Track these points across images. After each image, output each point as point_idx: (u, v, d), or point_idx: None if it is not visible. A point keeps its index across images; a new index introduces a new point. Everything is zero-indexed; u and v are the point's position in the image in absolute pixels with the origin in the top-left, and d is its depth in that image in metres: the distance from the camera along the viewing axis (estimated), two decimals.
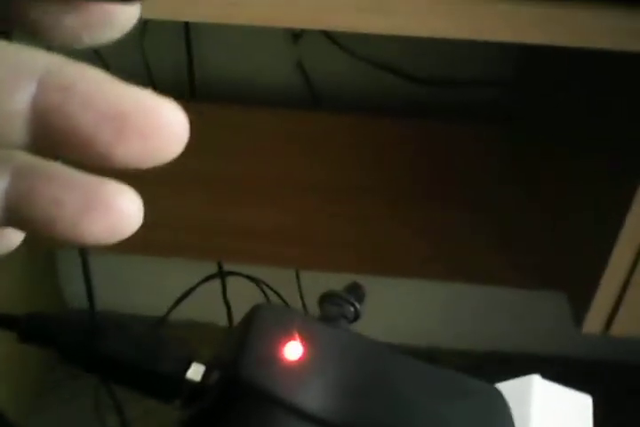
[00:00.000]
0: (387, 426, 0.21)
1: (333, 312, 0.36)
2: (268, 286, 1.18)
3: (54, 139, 0.16)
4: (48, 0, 0.15)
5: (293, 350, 0.21)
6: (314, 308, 1.20)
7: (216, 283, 1.17)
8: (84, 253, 0.76)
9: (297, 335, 0.22)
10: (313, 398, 0.21)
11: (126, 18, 0.16)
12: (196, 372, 0.24)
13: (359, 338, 0.23)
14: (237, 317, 1.18)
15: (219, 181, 1.09)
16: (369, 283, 1.38)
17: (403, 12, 0.53)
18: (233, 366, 0.22)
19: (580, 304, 0.70)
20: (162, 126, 0.17)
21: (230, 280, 1.17)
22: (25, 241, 0.21)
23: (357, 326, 1.20)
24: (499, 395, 0.23)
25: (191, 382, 0.24)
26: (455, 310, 1.26)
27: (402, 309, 1.29)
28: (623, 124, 0.69)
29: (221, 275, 1.16)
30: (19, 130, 0.16)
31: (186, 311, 1.16)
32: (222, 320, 1.15)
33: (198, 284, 1.16)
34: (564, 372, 1.23)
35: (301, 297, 1.21)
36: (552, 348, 1.22)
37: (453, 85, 1.08)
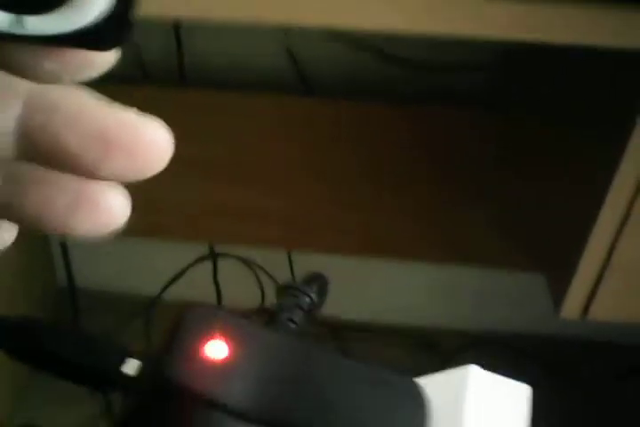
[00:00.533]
0: (304, 420, 0.22)
1: (289, 303, 0.37)
2: (259, 267, 1.19)
3: (42, 155, 0.17)
4: (28, 46, 0.16)
5: (217, 349, 0.22)
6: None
7: (208, 264, 1.17)
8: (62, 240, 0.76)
9: (221, 335, 0.22)
10: (235, 394, 0.21)
11: (105, 60, 0.17)
12: (131, 366, 0.25)
13: (284, 337, 0.23)
14: (228, 297, 1.20)
15: (210, 164, 1.09)
16: (366, 264, 1.40)
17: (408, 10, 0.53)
18: (157, 364, 0.22)
19: (559, 288, 0.70)
20: (146, 144, 0.17)
21: (222, 262, 1.18)
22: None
23: (357, 307, 1.22)
24: (416, 387, 0.23)
25: (126, 376, 0.25)
26: (451, 292, 1.26)
27: (398, 290, 1.30)
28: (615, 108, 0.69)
29: (213, 256, 1.17)
30: (7, 146, 0.17)
31: (177, 292, 1.17)
32: (213, 301, 1.16)
33: (190, 265, 1.17)
34: (558, 353, 1.24)
35: (293, 279, 1.22)
36: (547, 329, 1.22)
37: (445, 70, 1.07)
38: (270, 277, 1.19)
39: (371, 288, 1.29)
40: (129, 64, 1.06)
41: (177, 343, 0.22)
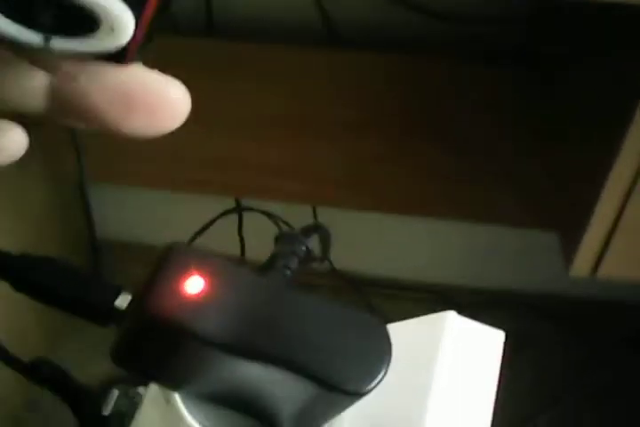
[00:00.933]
0: (273, 351, 0.24)
1: (286, 250, 0.39)
2: (284, 221, 1.21)
3: (69, 111, 0.19)
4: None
5: (195, 284, 0.24)
6: (332, 247, 1.22)
7: (233, 218, 1.20)
8: (83, 185, 0.78)
9: (199, 271, 0.24)
10: (209, 325, 0.24)
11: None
12: (123, 300, 0.27)
13: (260, 276, 0.25)
14: (251, 251, 1.22)
15: (237, 119, 1.10)
16: (386, 221, 1.40)
17: None
18: (137, 299, 0.25)
19: (571, 247, 0.71)
20: (166, 104, 0.19)
21: (247, 216, 1.20)
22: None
23: (377, 263, 1.23)
24: (382, 327, 0.25)
25: (119, 310, 0.27)
26: (467, 250, 1.28)
27: (416, 246, 1.31)
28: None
29: (239, 210, 1.20)
30: (39, 102, 0.19)
31: (203, 245, 1.20)
32: (237, 254, 1.19)
33: (216, 218, 1.19)
34: (571, 311, 1.25)
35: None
36: (562, 287, 1.23)
37: (475, 23, 1.06)
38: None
39: (390, 244, 1.31)
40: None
41: (157, 279, 0.24)
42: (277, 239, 0.39)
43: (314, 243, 0.44)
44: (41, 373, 0.36)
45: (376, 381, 0.24)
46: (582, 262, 0.70)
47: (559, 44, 0.95)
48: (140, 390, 0.37)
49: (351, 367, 0.24)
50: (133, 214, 1.33)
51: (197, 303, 0.24)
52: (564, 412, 1.18)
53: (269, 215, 1.20)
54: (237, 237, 1.21)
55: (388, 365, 0.24)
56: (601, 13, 0.76)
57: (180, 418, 0.27)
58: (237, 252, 1.21)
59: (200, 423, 0.28)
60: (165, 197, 1.27)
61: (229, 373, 0.25)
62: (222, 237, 1.21)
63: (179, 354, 0.25)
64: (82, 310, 0.28)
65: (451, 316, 0.32)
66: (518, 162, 0.98)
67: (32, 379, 0.37)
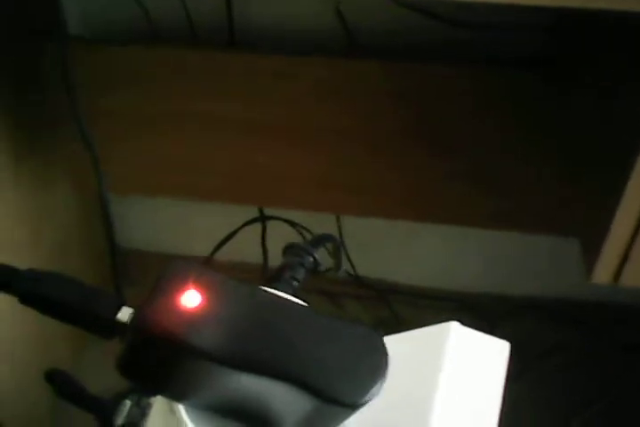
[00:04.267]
0: (269, 363, 0.24)
1: (293, 262, 0.39)
2: (307, 230, 1.21)
3: None
4: None
5: (192, 299, 0.25)
6: (354, 251, 1.24)
7: (257, 227, 1.21)
8: (103, 195, 0.80)
9: (196, 286, 0.25)
10: (205, 338, 0.24)
11: None
12: (125, 314, 0.28)
13: (256, 290, 0.26)
14: (275, 259, 1.23)
15: (259, 126, 1.11)
16: (411, 229, 1.38)
17: None
18: (135, 314, 0.25)
19: (591, 254, 0.70)
20: None
21: (271, 225, 1.21)
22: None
23: (402, 271, 1.21)
24: (377, 339, 0.25)
25: (121, 322, 0.27)
26: (480, 256, 1.27)
27: (439, 254, 1.31)
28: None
29: (262, 219, 1.20)
30: None
31: (227, 253, 1.21)
32: (260, 263, 1.20)
33: (240, 227, 1.20)
34: (599, 317, 1.24)
35: (342, 242, 1.25)
36: (587, 293, 1.22)
37: (494, 30, 1.06)
38: None
39: (413, 252, 1.31)
40: (179, 25, 1.08)
41: (155, 294, 0.24)
42: (285, 250, 0.40)
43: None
44: (54, 383, 0.37)
45: (372, 393, 0.24)
46: (603, 270, 0.70)
47: (576, 51, 0.95)
48: (152, 400, 0.37)
49: (347, 379, 0.24)
50: (158, 225, 1.34)
51: (194, 317, 0.24)
52: (594, 417, 1.17)
53: (293, 224, 1.21)
54: (260, 246, 1.21)
55: (384, 377, 0.25)
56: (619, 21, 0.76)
57: None
58: (261, 260, 1.22)
59: None
60: (189, 208, 1.29)
61: (228, 385, 0.25)
62: (246, 246, 1.22)
63: (178, 367, 0.25)
64: (85, 323, 0.28)
65: (454, 326, 0.32)
66: (538, 170, 0.98)
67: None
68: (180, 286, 0.25)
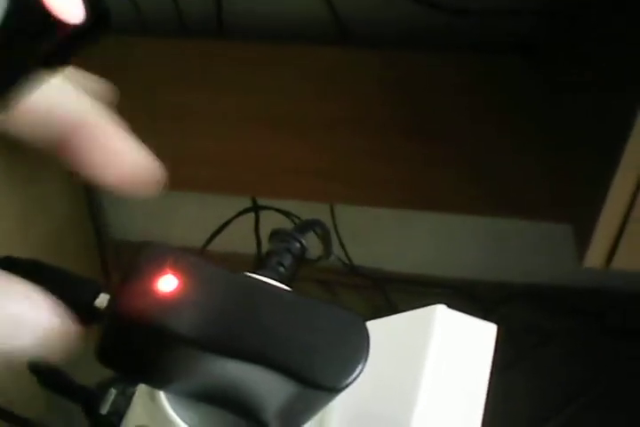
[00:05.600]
0: (248, 347, 0.24)
1: (280, 248, 0.39)
2: (300, 219, 1.21)
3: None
4: None
5: (168, 283, 0.24)
6: (349, 240, 1.23)
7: (250, 217, 1.20)
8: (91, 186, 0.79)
9: (172, 270, 0.24)
10: (183, 323, 0.24)
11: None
12: (103, 300, 0.27)
13: (235, 274, 0.25)
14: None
15: (250, 117, 1.10)
16: (406, 217, 1.39)
17: None
18: (111, 299, 0.25)
19: (584, 238, 0.70)
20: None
21: (264, 214, 1.21)
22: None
23: (398, 259, 1.21)
24: (359, 322, 0.25)
25: (99, 309, 0.27)
26: (476, 242, 1.27)
27: (435, 241, 1.30)
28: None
29: (255, 209, 1.20)
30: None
31: (221, 243, 1.21)
32: (253, 253, 1.19)
33: (233, 217, 1.20)
34: (594, 304, 1.24)
35: (336, 231, 1.24)
36: (584, 278, 1.22)
37: (486, 17, 1.05)
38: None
39: (411, 241, 1.31)
40: (168, 14, 1.07)
41: (130, 278, 0.24)
42: (271, 237, 0.39)
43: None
44: (39, 373, 0.37)
45: (353, 376, 0.24)
46: (596, 254, 0.69)
47: (564, 37, 0.94)
48: (137, 388, 0.37)
49: (327, 363, 0.24)
50: (151, 216, 1.34)
51: (171, 302, 0.24)
52: (592, 404, 1.17)
53: (286, 214, 1.21)
54: (254, 236, 1.21)
55: (366, 360, 0.24)
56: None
57: (165, 416, 0.28)
58: (254, 251, 1.22)
59: (185, 421, 0.28)
60: (181, 198, 1.28)
61: (208, 371, 0.25)
62: (239, 237, 1.22)
63: (156, 353, 0.25)
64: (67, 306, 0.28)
65: (440, 309, 0.32)
66: (531, 156, 0.97)
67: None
68: (157, 271, 0.24)
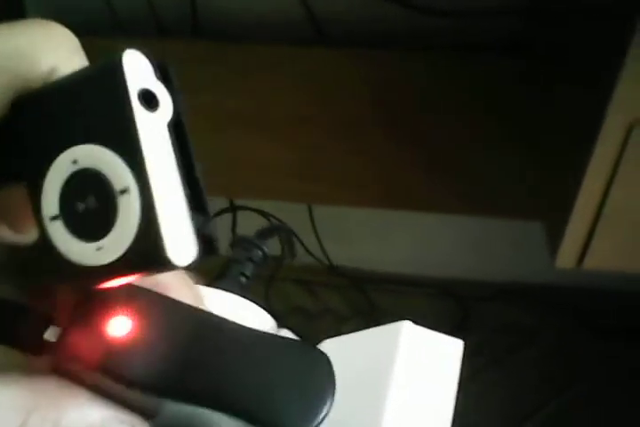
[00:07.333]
0: (204, 391, 0.23)
1: (241, 257, 0.38)
2: (278, 220, 1.21)
3: None
4: None
5: (120, 325, 0.23)
6: (328, 240, 1.23)
7: (227, 217, 1.20)
8: None
9: (125, 311, 0.23)
10: (135, 367, 0.23)
11: None
12: (51, 333, 0.26)
13: (193, 312, 0.24)
14: None
15: (226, 116, 1.10)
16: (385, 217, 1.38)
17: None
18: (59, 342, 0.24)
19: (555, 238, 0.70)
20: None
21: (241, 215, 1.20)
22: None
23: (377, 259, 1.21)
24: (323, 360, 0.24)
25: (49, 342, 0.26)
26: (457, 242, 1.27)
27: (415, 241, 1.31)
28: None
29: (232, 209, 1.19)
30: None
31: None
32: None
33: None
34: (571, 303, 1.25)
35: (315, 231, 1.24)
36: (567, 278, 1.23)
37: (462, 16, 1.05)
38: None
39: (390, 240, 1.31)
40: (143, 15, 1.07)
41: (81, 320, 0.23)
42: (232, 245, 0.39)
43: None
44: None
45: (319, 418, 0.23)
46: (567, 254, 0.69)
47: (547, 36, 0.94)
48: None
49: (291, 405, 0.23)
50: None
51: (122, 345, 0.23)
52: (571, 402, 1.18)
53: (264, 214, 1.20)
54: (231, 237, 1.20)
55: (332, 399, 0.23)
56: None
57: None
58: (231, 252, 1.21)
59: None
60: None
61: (171, 412, 0.24)
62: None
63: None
64: (13, 342, 0.27)
65: (406, 325, 0.31)
66: (504, 154, 0.97)
67: None
68: (108, 312, 0.23)
